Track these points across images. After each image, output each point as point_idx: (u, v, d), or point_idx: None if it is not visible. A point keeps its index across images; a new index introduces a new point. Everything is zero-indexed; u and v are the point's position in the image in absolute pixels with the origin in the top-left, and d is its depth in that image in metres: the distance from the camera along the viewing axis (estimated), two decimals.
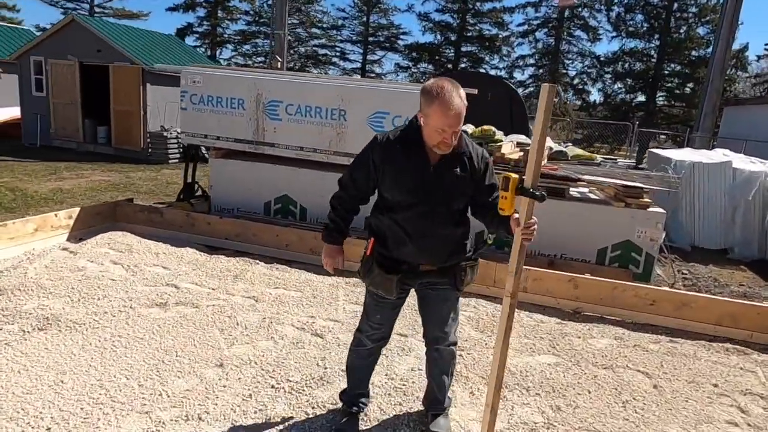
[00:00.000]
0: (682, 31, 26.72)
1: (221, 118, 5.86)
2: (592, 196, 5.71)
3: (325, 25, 33.35)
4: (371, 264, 2.16)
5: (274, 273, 4.35)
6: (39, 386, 2.48)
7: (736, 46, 23.22)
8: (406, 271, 2.17)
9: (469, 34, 30.99)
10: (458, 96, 1.95)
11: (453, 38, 31.27)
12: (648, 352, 3.42)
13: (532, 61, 31.04)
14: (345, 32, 33.69)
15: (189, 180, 6.67)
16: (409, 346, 3.22)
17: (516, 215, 1.97)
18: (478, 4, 30.30)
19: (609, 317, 4.10)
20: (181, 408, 2.38)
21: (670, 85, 27.88)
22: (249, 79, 5.77)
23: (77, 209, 5.29)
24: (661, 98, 28.27)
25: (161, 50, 13.83)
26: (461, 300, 4.07)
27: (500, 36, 30.59)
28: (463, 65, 30.57)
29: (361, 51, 33.54)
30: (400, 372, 2.89)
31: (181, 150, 9.87)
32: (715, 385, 3.02)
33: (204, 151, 7.91)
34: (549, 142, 6.86)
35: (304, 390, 2.63)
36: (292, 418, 2.41)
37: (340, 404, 2.49)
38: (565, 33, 29.55)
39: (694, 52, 26.35)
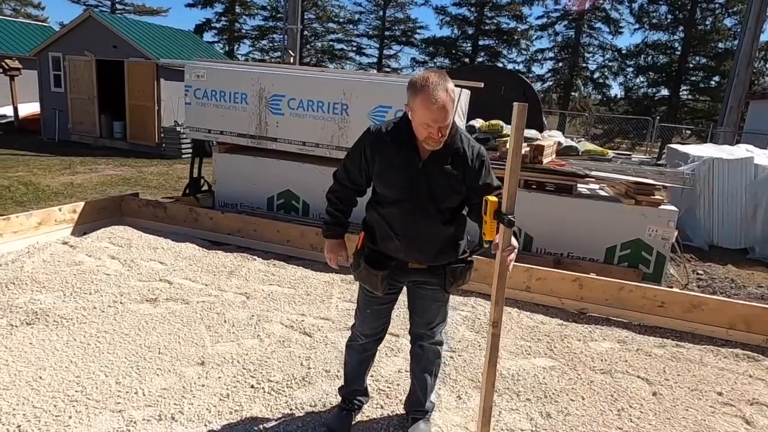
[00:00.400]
0: (708, 22, 25.82)
1: (224, 112, 5.83)
2: (603, 193, 5.52)
3: (341, 20, 33.29)
4: (360, 259, 2.12)
5: (270, 269, 4.30)
6: (17, 382, 2.46)
7: (764, 37, 22.40)
8: (395, 268, 2.11)
9: (486, 28, 30.51)
10: (444, 89, 1.84)
11: (470, 32, 30.82)
12: (651, 356, 3.26)
13: (551, 54, 30.44)
14: (361, 27, 33.55)
15: (195, 175, 6.69)
16: (398, 346, 3.12)
17: (497, 240, 1.84)
18: None
19: (615, 319, 3.94)
20: (155, 407, 2.34)
21: (694, 78, 27.00)
22: (252, 74, 5.72)
23: (81, 203, 5.32)
24: (685, 92, 27.43)
25: (176, 46, 13.94)
26: (459, 299, 4.01)
27: (519, 29, 30.05)
28: (480, 59, 30.13)
29: (377, 46, 33.36)
30: (386, 374, 2.80)
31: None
32: (720, 394, 2.85)
33: (210, 146, 7.92)
34: (559, 137, 6.67)
35: (284, 390, 2.56)
36: (267, 419, 2.35)
37: (318, 406, 2.42)
38: (586, 26, 28.86)
39: (720, 44, 25.45)
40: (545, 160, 5.15)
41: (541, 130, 7.90)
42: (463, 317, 3.65)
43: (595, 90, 29.64)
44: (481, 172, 2.02)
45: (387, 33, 32.96)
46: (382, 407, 2.51)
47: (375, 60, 33.50)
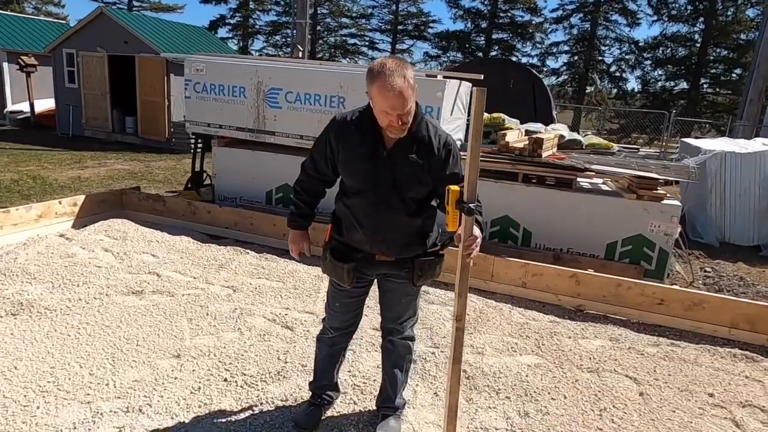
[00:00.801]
0: (729, 13, 25.08)
1: (223, 106, 5.83)
2: (605, 187, 5.37)
3: (354, 14, 33.19)
4: (326, 251, 2.08)
5: (261, 263, 4.28)
6: None
7: None
8: (362, 260, 2.06)
9: (500, 21, 30.12)
10: (401, 76, 1.78)
11: (484, 25, 30.47)
12: (643, 355, 3.15)
13: (566, 47, 29.93)
14: (374, 21, 33.44)
15: (198, 169, 6.71)
16: (380, 341, 3.06)
17: (460, 231, 1.79)
18: None
19: (613, 316, 3.83)
20: (124, 399, 2.32)
21: (714, 71, 26.28)
22: (250, 67, 5.70)
23: (82, 197, 5.37)
24: (704, 85, 26.73)
25: (187, 41, 14.03)
26: (450, 294, 3.93)
27: (533, 22, 29.59)
28: (493, 53, 29.78)
29: (390, 40, 33.22)
30: (364, 369, 2.75)
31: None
32: (711, 395, 2.73)
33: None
34: (563, 131, 6.52)
35: (257, 384, 2.53)
36: (236, 413, 2.32)
37: (290, 401, 2.38)
38: (602, 18, 28.26)
39: (742, 36, 24.71)
40: (545, 154, 5.03)
41: (549, 123, 7.76)
42: (452, 312, 3.57)
43: (611, 84, 29.06)
44: (447, 161, 1.95)
45: (400, 27, 32.79)
46: (355, 403, 2.46)
47: (388, 55, 33.36)
